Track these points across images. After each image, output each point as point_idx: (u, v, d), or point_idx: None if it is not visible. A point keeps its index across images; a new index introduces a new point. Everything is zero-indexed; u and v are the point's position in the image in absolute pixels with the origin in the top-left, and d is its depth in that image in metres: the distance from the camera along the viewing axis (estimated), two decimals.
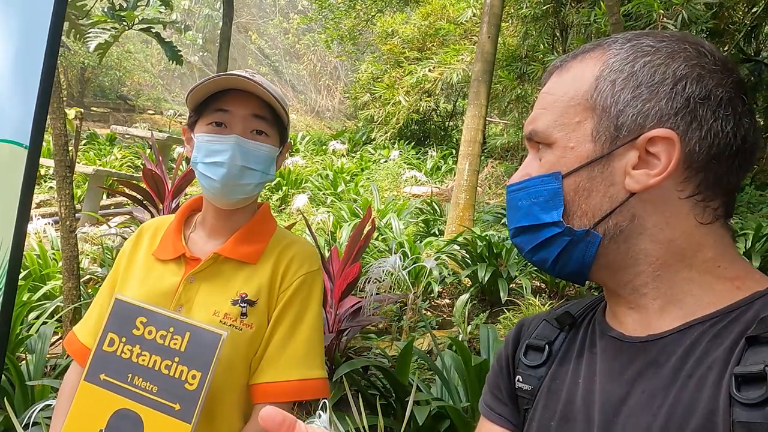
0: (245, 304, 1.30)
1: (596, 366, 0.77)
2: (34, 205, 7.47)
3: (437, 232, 6.56)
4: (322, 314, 1.41)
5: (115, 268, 1.45)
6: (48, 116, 3.35)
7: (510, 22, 10.13)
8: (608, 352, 0.76)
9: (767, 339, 0.62)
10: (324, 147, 12.75)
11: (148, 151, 4.46)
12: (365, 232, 2.91)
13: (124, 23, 3.85)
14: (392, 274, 3.21)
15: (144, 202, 3.70)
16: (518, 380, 0.86)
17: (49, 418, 1.47)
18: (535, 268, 4.92)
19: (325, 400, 1.80)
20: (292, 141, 12.80)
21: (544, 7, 8.32)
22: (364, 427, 1.82)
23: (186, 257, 1.35)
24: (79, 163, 8.65)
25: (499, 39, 8.24)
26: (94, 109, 17.19)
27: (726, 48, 7.90)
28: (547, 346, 0.85)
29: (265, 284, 1.33)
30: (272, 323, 1.32)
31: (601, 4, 5.92)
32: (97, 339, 1.21)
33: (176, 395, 1.13)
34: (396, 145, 12.35)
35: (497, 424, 0.88)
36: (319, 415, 1.73)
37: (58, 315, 3.66)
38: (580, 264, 0.75)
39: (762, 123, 10.39)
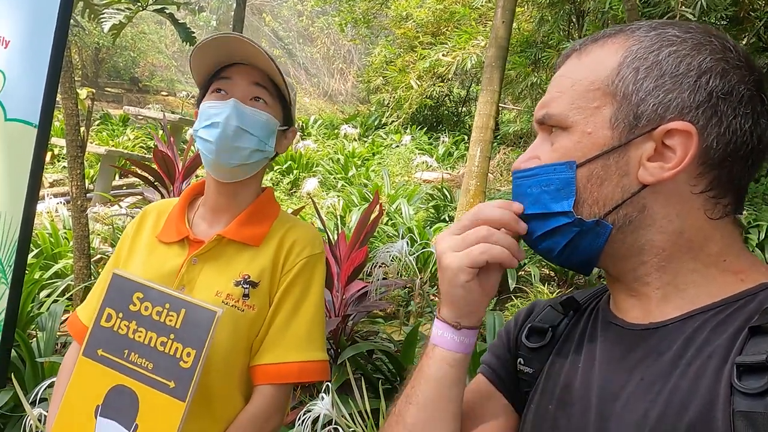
0: (248, 286, 1.30)
1: (596, 352, 0.77)
2: (47, 185, 7.54)
3: (447, 219, 6.55)
4: (324, 298, 1.41)
5: (117, 249, 1.47)
6: (59, 96, 3.38)
7: (525, 7, 10.01)
8: (609, 339, 0.76)
9: None
10: (336, 131, 12.73)
11: (161, 132, 4.47)
12: (373, 216, 2.90)
13: (138, 4, 3.84)
14: (399, 260, 3.21)
15: (155, 183, 3.72)
16: (520, 363, 0.87)
17: None
18: None
19: (328, 383, 1.82)
20: (303, 124, 12.90)
21: None
22: (366, 411, 1.83)
23: (189, 239, 1.36)
24: (91, 143, 8.71)
25: (514, 24, 8.15)
26: (108, 89, 17.25)
27: (745, 36, 7.76)
28: (550, 329, 0.85)
29: (267, 266, 1.33)
30: (274, 305, 1.33)
31: None
32: (95, 314, 1.22)
33: (171, 373, 1.13)
34: (408, 130, 12.30)
35: (497, 387, 0.89)
36: (322, 398, 1.75)
37: (69, 293, 3.70)
38: (588, 254, 0.74)
39: None
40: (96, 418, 1.16)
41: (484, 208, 0.77)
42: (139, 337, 1.17)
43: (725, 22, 7.88)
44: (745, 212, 5.87)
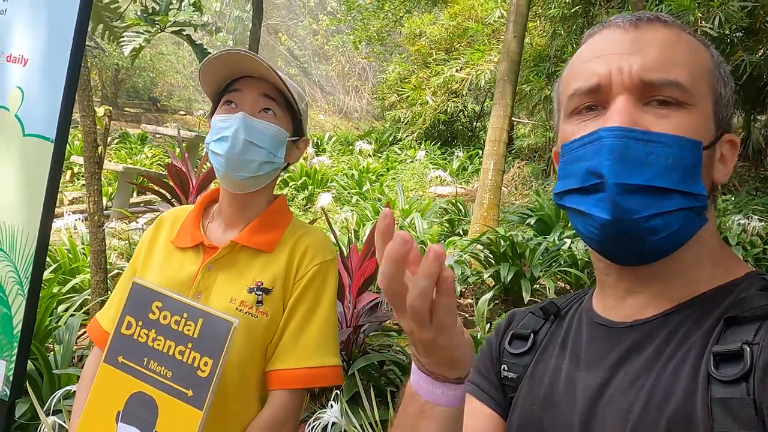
0: (261, 292, 1.33)
1: (581, 352, 0.77)
2: (66, 202, 7.66)
3: (461, 232, 6.54)
4: (336, 303, 1.43)
5: (135, 255, 1.50)
6: (78, 114, 3.45)
7: (538, 22, 10.05)
8: (594, 339, 0.77)
9: (745, 318, 0.63)
10: (350, 147, 12.80)
11: (178, 150, 4.56)
12: None
13: (157, 26, 3.93)
14: None
15: (170, 198, 3.77)
16: (504, 369, 0.87)
17: (72, 404, 1.51)
18: (560, 269, 4.87)
19: (338, 391, 1.83)
20: (319, 141, 12.99)
21: (573, 9, 8.23)
22: (375, 421, 1.84)
23: (204, 246, 1.39)
24: (110, 161, 8.84)
25: (527, 39, 8.17)
26: (128, 109, 17.55)
27: (762, 47, 7.71)
28: (532, 334, 0.86)
29: (280, 273, 1.36)
30: (287, 312, 1.35)
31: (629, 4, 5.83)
32: (116, 321, 1.25)
33: (189, 381, 1.15)
34: (422, 146, 12.34)
35: (484, 403, 0.88)
36: (331, 406, 1.76)
37: (86, 307, 3.75)
38: (681, 242, 0.70)
39: None
40: (117, 423, 1.18)
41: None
42: (158, 345, 1.19)
43: (741, 33, 7.85)
44: (763, 223, 5.79)
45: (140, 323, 1.22)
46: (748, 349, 0.60)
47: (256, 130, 1.33)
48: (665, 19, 0.72)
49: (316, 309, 1.36)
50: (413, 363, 0.68)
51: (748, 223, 5.59)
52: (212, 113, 1.42)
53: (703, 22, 5.48)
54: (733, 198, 7.61)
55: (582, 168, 0.69)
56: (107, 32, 4.25)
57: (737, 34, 7.79)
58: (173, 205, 3.64)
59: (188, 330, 1.18)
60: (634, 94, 0.69)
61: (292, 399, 1.32)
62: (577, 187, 0.70)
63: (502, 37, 9.41)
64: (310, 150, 11.32)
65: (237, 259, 1.37)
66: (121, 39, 3.91)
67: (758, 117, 10.76)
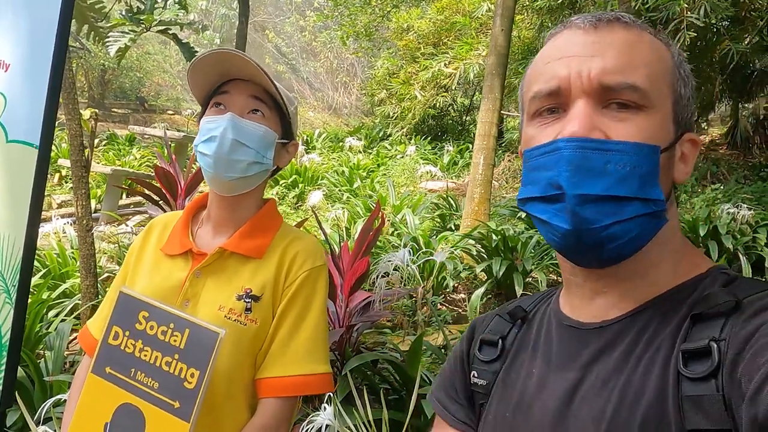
0: (249, 300, 1.31)
1: (552, 355, 0.77)
2: (55, 206, 7.60)
3: (453, 227, 6.54)
4: (326, 309, 1.42)
5: (125, 262, 1.49)
6: (64, 117, 3.41)
7: (525, 14, 10.05)
8: (564, 341, 0.77)
9: (711, 315, 0.64)
10: (340, 144, 12.78)
11: (166, 151, 4.53)
12: (375, 226, 2.91)
13: (143, 26, 3.90)
14: (402, 269, 3.21)
15: (158, 200, 3.75)
16: (473, 375, 0.86)
17: (63, 412, 1.50)
18: (552, 262, 4.89)
19: (330, 394, 1.82)
20: (308, 138, 12.95)
21: (559, 0, 8.24)
22: (369, 421, 1.83)
23: (193, 252, 1.37)
24: (98, 163, 8.79)
25: (515, 32, 8.17)
26: (115, 110, 17.43)
27: (747, 36, 7.74)
28: (500, 340, 0.85)
29: (269, 279, 1.34)
30: (277, 318, 1.34)
31: None
32: (103, 332, 1.23)
33: (176, 393, 1.13)
34: (412, 141, 12.33)
35: (452, 426, 0.88)
36: (324, 408, 1.75)
37: (77, 312, 3.73)
38: (640, 246, 0.70)
39: None
40: None
41: None
42: (145, 356, 1.18)
43: (727, 23, 7.88)
44: (752, 211, 5.82)
45: (127, 333, 1.20)
46: (715, 345, 0.61)
47: (245, 130, 1.32)
48: (625, 20, 0.73)
49: (306, 316, 1.35)
50: None
51: (738, 212, 5.62)
52: (201, 116, 1.40)
53: (689, 12, 5.49)
54: (722, 187, 7.66)
55: (542, 177, 0.70)
56: (92, 33, 4.21)
57: (723, 23, 7.82)
58: (161, 207, 3.62)
59: (175, 340, 1.16)
60: (592, 98, 0.69)
61: (283, 407, 1.31)
62: (539, 196, 0.70)
63: (490, 30, 9.42)
64: (300, 147, 11.28)
65: (226, 265, 1.35)
66: (107, 39, 3.87)
67: (745, 105, 10.82)
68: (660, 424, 0.61)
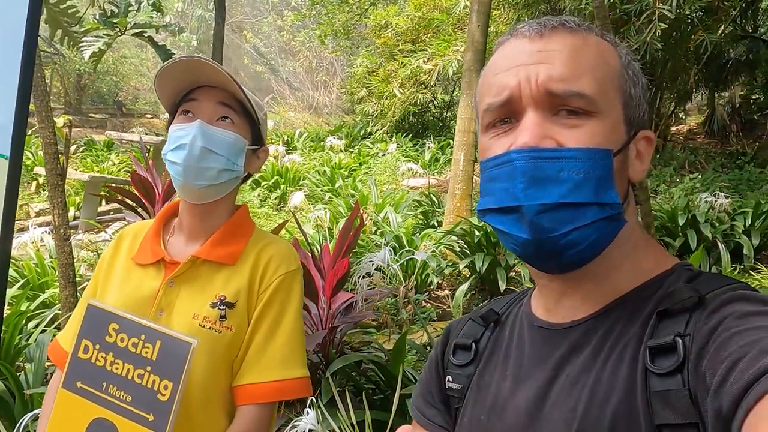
0: (224, 307, 1.30)
1: (524, 357, 0.78)
2: (33, 214, 7.50)
3: (436, 224, 6.55)
4: (302, 314, 1.41)
5: (95, 274, 1.46)
6: (38, 125, 3.36)
7: (502, 9, 10.07)
8: (535, 342, 0.78)
9: (675, 311, 0.65)
10: (322, 143, 12.74)
11: (147, 155, 4.47)
12: (355, 226, 2.91)
13: (117, 29, 3.85)
14: (382, 269, 3.22)
15: (136, 207, 3.71)
16: (448, 380, 0.87)
17: None
18: None
19: (313, 398, 1.81)
20: (289, 138, 12.90)
21: None
22: (353, 423, 1.82)
23: (165, 261, 1.35)
24: (76, 170, 8.68)
25: (492, 27, 8.18)
26: (92, 115, 17.21)
27: (721, 25, 7.84)
28: (473, 344, 0.86)
29: (244, 286, 1.33)
30: (252, 325, 1.32)
31: None
32: (73, 345, 1.21)
33: (149, 405, 1.11)
34: (394, 138, 12.33)
35: (429, 430, 0.88)
36: (307, 413, 1.74)
37: (57, 323, 3.67)
38: (600, 249, 0.70)
39: (761, 99, 10.33)
40: None
41: None
42: (117, 369, 1.15)
43: (701, 13, 7.96)
44: (729, 199, 5.90)
45: (97, 346, 1.18)
46: (680, 340, 0.62)
47: (214, 137, 1.30)
48: (570, 25, 0.73)
49: (282, 320, 1.34)
50: None
51: (715, 200, 5.69)
52: (169, 124, 1.38)
53: (661, 3, 5.54)
54: (700, 176, 7.75)
55: (498, 189, 0.70)
56: (66, 37, 4.14)
57: (697, 13, 7.91)
58: (139, 214, 3.58)
59: (146, 352, 1.14)
60: (542, 106, 0.69)
61: (261, 413, 1.29)
62: (496, 207, 0.71)
63: (467, 27, 9.44)
64: (281, 148, 11.23)
65: (199, 273, 1.34)
66: (81, 44, 3.82)
67: (721, 94, 10.96)
68: (630, 421, 0.62)
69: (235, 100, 1.35)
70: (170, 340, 1.14)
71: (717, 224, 5.37)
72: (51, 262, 4.72)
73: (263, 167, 6.84)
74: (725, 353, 0.57)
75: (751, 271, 4.81)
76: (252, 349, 1.31)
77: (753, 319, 0.59)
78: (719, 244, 5.04)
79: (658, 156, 9.21)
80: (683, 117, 12.75)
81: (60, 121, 3.87)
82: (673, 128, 11.55)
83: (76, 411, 1.16)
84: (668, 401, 0.60)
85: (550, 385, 0.72)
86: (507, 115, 0.72)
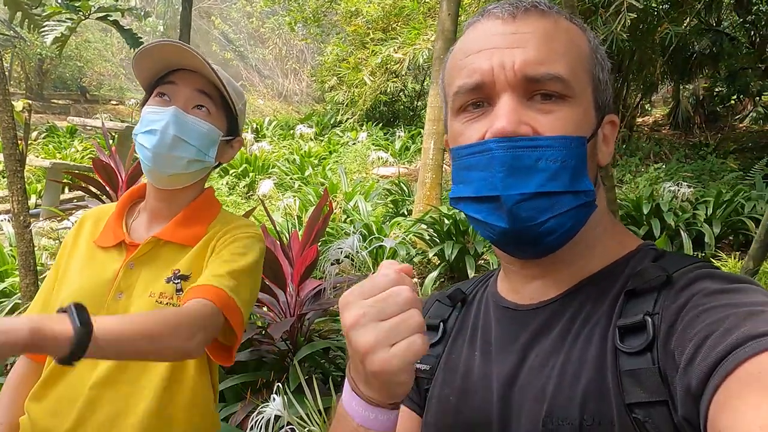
0: (179, 280, 1.28)
1: (491, 337, 0.78)
2: None
3: (406, 212, 6.56)
4: (259, 277, 1.35)
5: (57, 258, 1.43)
6: None
7: None
8: (502, 323, 0.78)
9: (643, 290, 0.66)
10: (291, 131, 12.63)
11: (111, 142, 4.36)
12: (323, 214, 2.89)
13: (81, 13, 3.73)
14: (351, 256, 3.20)
15: (100, 195, 3.62)
16: (417, 361, 0.86)
17: None
18: None
19: (279, 384, 1.80)
20: (258, 126, 12.74)
21: None
22: (319, 409, 1.82)
23: (126, 244, 1.33)
24: (37, 156, 8.45)
25: (463, 16, 8.17)
26: (55, 101, 16.78)
27: (686, 18, 7.97)
28: (441, 323, 0.86)
29: (200, 256, 1.30)
30: (208, 262, 1.28)
31: None
32: None
33: None
34: (364, 127, 12.29)
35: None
36: (273, 399, 1.73)
37: (17, 312, 3.58)
38: (572, 235, 0.71)
39: (724, 92, 10.57)
40: None
41: (409, 297, 0.61)
42: None
43: (666, 5, 8.09)
44: (692, 189, 6.03)
45: None
46: (650, 319, 0.63)
47: (188, 126, 1.28)
48: (542, 7, 0.72)
49: (238, 260, 1.27)
50: (347, 382, 0.66)
51: (678, 190, 5.81)
52: (144, 103, 1.35)
53: None
54: (664, 166, 7.91)
55: (475, 177, 0.69)
56: (26, 20, 4.00)
57: (663, 6, 8.03)
58: (102, 201, 3.50)
59: None
60: (517, 91, 0.69)
61: (202, 309, 1.16)
62: (473, 196, 0.70)
63: (438, 15, 9.42)
64: (250, 136, 11.10)
65: (159, 254, 1.31)
66: (42, 29, 3.69)
67: (686, 86, 11.18)
68: (600, 399, 0.63)
69: (213, 87, 1.32)
70: None
71: (680, 213, 5.49)
72: (11, 250, 4.59)
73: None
74: (693, 331, 0.57)
75: (711, 259, 4.94)
76: (203, 275, 1.25)
77: (719, 297, 0.60)
78: (682, 232, 5.15)
79: (624, 146, 9.37)
80: (649, 108, 12.98)
81: (19, 105, 3.75)
82: (639, 119, 11.75)
83: None
84: (638, 379, 0.61)
85: (519, 366, 0.72)
86: (479, 98, 0.71)
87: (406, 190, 7.36)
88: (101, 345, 0.92)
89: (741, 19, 9.57)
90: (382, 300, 0.60)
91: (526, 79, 0.68)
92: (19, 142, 3.48)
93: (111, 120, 11.96)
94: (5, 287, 4.05)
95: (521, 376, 0.71)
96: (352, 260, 3.99)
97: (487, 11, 0.74)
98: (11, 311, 3.73)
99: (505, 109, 0.67)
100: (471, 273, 4.55)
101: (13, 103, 3.58)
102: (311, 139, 11.81)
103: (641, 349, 0.62)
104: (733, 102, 10.85)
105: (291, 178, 8.65)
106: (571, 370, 0.66)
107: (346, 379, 0.67)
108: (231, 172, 8.77)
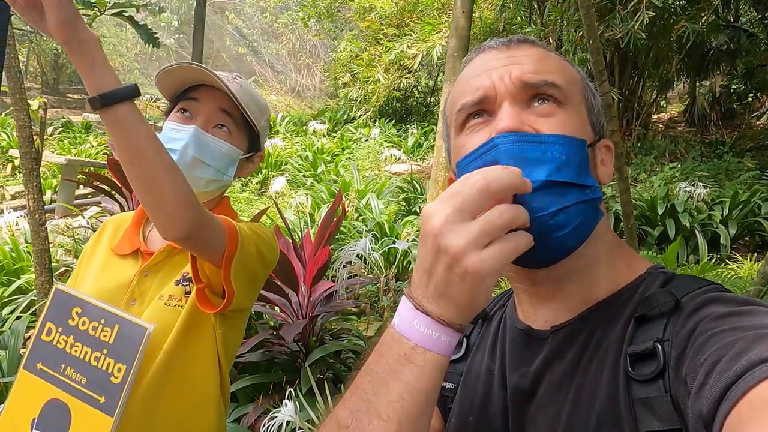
0: (187, 282, 1.28)
1: (507, 359, 0.78)
2: (8, 197, 7.37)
3: (418, 211, 6.55)
4: (266, 267, 1.33)
5: (78, 264, 1.45)
6: (12, 107, 3.28)
7: None
8: (517, 346, 0.78)
9: (653, 316, 0.66)
10: (304, 127, 12.65)
11: None
12: (336, 216, 2.89)
13: (96, 9, 3.76)
14: (364, 257, 3.20)
15: (114, 192, 3.64)
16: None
17: None
18: None
19: (291, 389, 1.80)
20: (271, 122, 12.77)
21: None
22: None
23: (141, 252, 1.34)
24: (52, 152, 8.53)
25: (477, 13, 8.15)
26: (70, 96, 16.91)
27: (704, 15, 7.88)
28: (464, 339, 0.86)
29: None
30: None
31: None
32: (37, 328, 1.21)
33: (102, 388, 1.12)
34: (377, 123, 12.27)
35: None
36: (285, 404, 1.74)
37: (33, 309, 3.62)
38: (583, 238, 0.69)
39: (741, 89, 10.44)
40: (32, 430, 1.16)
41: (492, 176, 0.59)
42: (76, 351, 1.16)
43: (684, 2, 7.99)
44: (708, 189, 5.96)
45: (60, 329, 1.19)
46: (660, 346, 0.63)
47: (207, 146, 1.28)
48: (533, 40, 0.79)
49: (249, 237, 1.25)
50: (404, 302, 0.62)
51: (694, 190, 5.75)
52: (168, 112, 1.35)
53: None
54: (679, 165, 7.82)
55: None
56: None
57: (680, 2, 7.94)
58: (116, 199, 3.52)
59: (105, 336, 1.15)
60: (517, 98, 0.72)
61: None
62: None
63: (452, 11, 9.37)
64: None
65: (172, 261, 1.32)
66: None
67: (703, 83, 11.05)
68: (615, 427, 0.62)
69: (235, 106, 1.31)
70: (128, 323, 1.14)
71: (695, 214, 5.43)
72: (26, 246, 4.64)
73: None
74: (703, 357, 0.57)
75: (727, 261, 4.88)
76: None
77: (728, 320, 0.59)
78: (697, 233, 5.10)
79: (639, 144, 9.28)
80: (664, 105, 12.85)
81: (34, 103, 3.79)
82: (655, 116, 11.63)
83: (33, 391, 1.17)
84: (651, 408, 0.60)
85: (533, 391, 0.72)
86: (481, 110, 0.74)
87: (419, 188, 7.34)
88: (128, 107, 1.02)
89: (759, 15, 9.43)
90: (465, 197, 0.58)
91: (524, 86, 0.72)
92: (35, 140, 3.51)
93: None
94: (21, 284, 4.10)
95: (536, 401, 0.72)
96: (365, 261, 3.98)
97: (483, 47, 0.80)
98: (27, 308, 3.77)
99: (508, 112, 0.70)
100: None
101: (28, 102, 3.61)
102: (324, 136, 11.81)
103: (653, 376, 0.61)
104: (750, 99, 10.72)
105: (303, 175, 8.66)
106: (585, 397, 0.66)
107: (401, 302, 0.63)
108: None
